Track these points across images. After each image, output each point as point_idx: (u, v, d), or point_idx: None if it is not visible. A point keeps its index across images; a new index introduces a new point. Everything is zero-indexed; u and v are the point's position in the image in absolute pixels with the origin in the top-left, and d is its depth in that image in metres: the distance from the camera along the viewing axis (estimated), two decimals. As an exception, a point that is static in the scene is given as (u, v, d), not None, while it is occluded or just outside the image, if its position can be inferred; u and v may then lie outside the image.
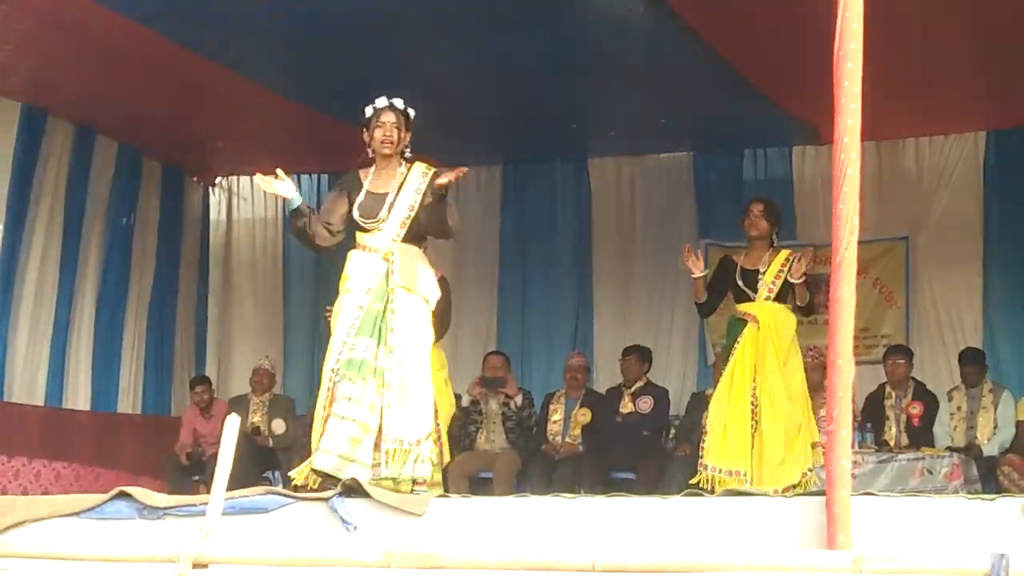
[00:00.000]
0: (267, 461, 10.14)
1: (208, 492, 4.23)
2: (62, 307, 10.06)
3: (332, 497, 5.36)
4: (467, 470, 8.99)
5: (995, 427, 9.12)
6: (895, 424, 9.26)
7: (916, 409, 9.25)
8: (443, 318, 6.61)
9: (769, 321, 7.43)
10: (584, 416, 9.56)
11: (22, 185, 9.64)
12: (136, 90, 9.25)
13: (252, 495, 5.44)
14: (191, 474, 10.06)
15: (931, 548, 4.36)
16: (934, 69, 8.71)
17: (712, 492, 6.63)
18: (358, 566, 3.96)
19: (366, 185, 6.33)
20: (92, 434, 10.28)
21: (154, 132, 10.47)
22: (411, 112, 6.36)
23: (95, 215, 10.42)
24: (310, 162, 11.63)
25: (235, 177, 12.10)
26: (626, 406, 9.57)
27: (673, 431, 9.90)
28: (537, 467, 9.30)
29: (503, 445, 9.47)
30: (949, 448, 8.87)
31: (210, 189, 12.14)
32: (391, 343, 6.09)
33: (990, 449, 9.02)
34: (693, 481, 7.16)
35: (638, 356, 9.77)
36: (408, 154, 6.40)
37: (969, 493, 7.25)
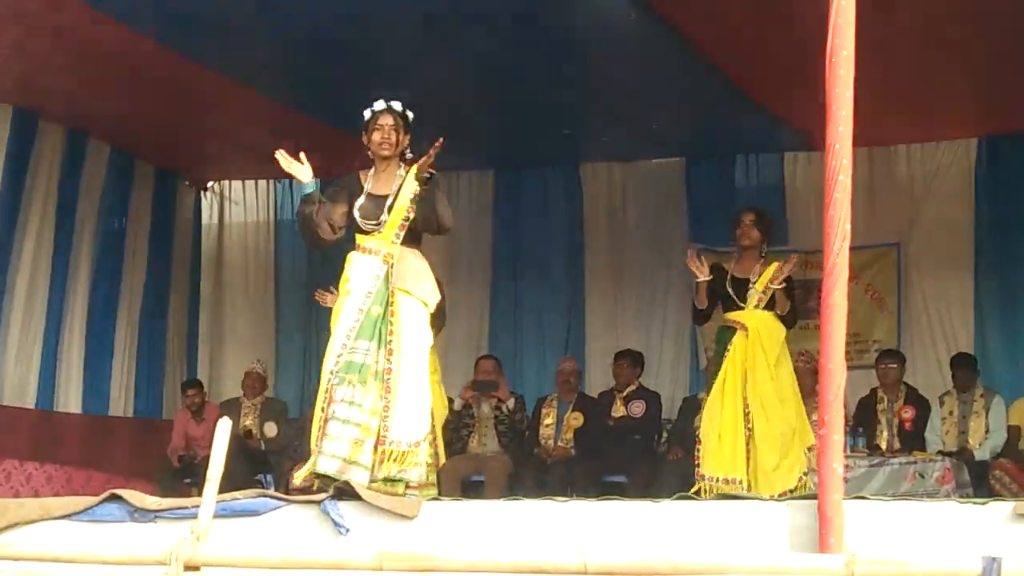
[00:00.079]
0: (259, 464, 10.13)
1: (200, 495, 4.22)
2: (54, 310, 10.06)
3: (324, 500, 5.37)
4: (459, 473, 8.99)
5: (987, 432, 9.14)
6: (887, 428, 9.27)
7: (908, 413, 9.26)
8: (437, 319, 6.62)
9: (758, 329, 7.45)
10: (576, 420, 9.57)
11: (14, 189, 9.63)
12: (128, 94, 9.25)
13: (244, 498, 5.44)
14: (183, 477, 10.04)
15: (923, 552, 4.36)
16: (926, 76, 8.73)
17: (710, 501, 6.64)
18: (350, 568, 3.96)
19: (366, 187, 6.35)
20: (83, 437, 10.26)
21: (146, 136, 10.47)
22: (410, 114, 6.39)
23: (87, 219, 10.41)
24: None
25: (227, 181, 12.10)
26: (618, 410, 9.58)
27: (665, 435, 9.91)
28: (529, 471, 9.29)
29: (495, 449, 9.47)
30: (941, 452, 8.88)
31: (202, 193, 12.14)
32: (391, 346, 6.11)
33: (982, 454, 9.03)
34: (692, 491, 7.16)
35: (630, 360, 9.78)
36: (409, 155, 6.42)
37: (961, 497, 7.26)
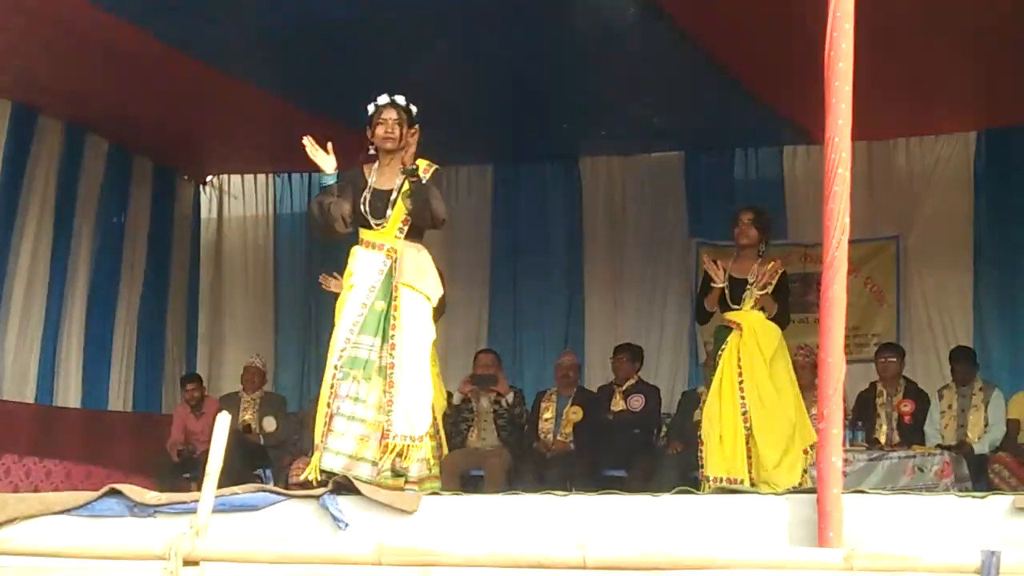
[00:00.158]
0: (258, 459, 10.13)
1: (199, 490, 4.21)
2: (53, 305, 10.06)
3: (323, 494, 5.36)
4: (458, 468, 8.98)
5: (986, 425, 9.15)
6: (886, 422, 9.27)
7: (907, 407, 9.27)
8: (436, 306, 6.62)
9: (753, 328, 7.46)
10: (575, 414, 9.56)
11: (12, 184, 9.64)
12: (127, 89, 9.25)
13: (243, 493, 5.44)
14: (182, 472, 10.04)
15: (922, 546, 4.36)
16: (925, 69, 8.72)
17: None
18: (350, 563, 3.95)
19: (371, 182, 6.34)
20: (83, 432, 10.27)
21: (145, 131, 10.46)
22: (413, 108, 6.39)
23: (85, 213, 10.41)
24: (301, 161, 11.53)
25: (226, 175, 12.09)
26: (617, 404, 9.58)
27: (664, 429, 9.91)
28: (528, 465, 9.29)
29: (494, 443, 9.46)
30: (940, 446, 8.88)
31: (201, 187, 12.13)
32: (394, 340, 6.12)
33: (981, 447, 9.04)
34: (709, 490, 7.16)
35: (629, 354, 9.78)
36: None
37: (960, 491, 7.26)
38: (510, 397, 9.54)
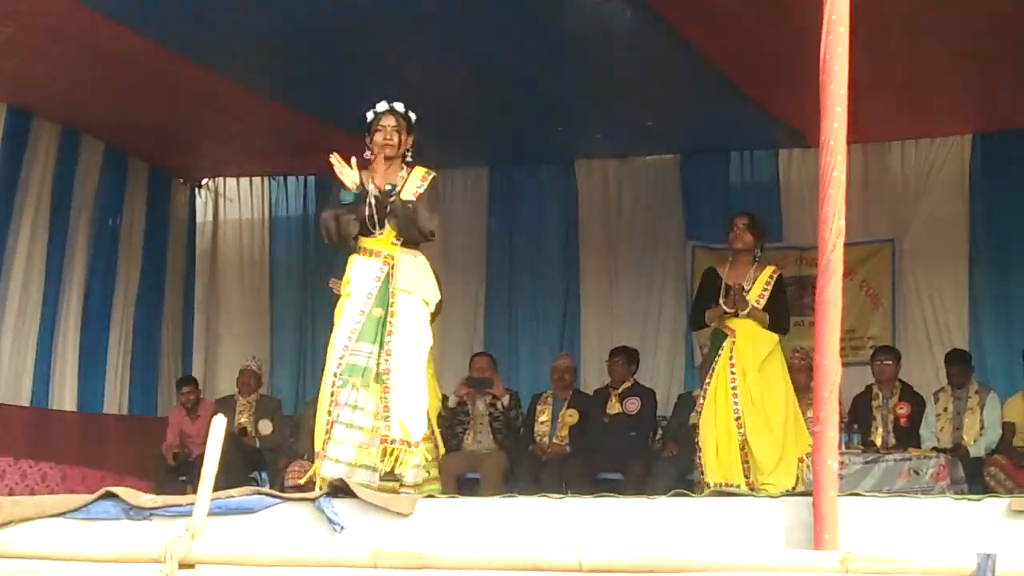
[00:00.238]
0: (254, 462, 10.13)
1: (194, 492, 4.21)
2: (48, 307, 10.05)
3: (319, 497, 5.36)
4: (454, 470, 8.98)
5: (981, 428, 9.15)
6: (882, 425, 9.28)
7: (903, 410, 9.28)
8: (432, 313, 6.63)
9: (748, 336, 7.47)
10: (571, 417, 9.57)
11: (7, 186, 9.63)
12: (122, 92, 9.24)
13: (239, 495, 5.43)
14: (177, 474, 10.04)
15: (918, 548, 4.36)
16: (920, 72, 8.74)
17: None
18: (345, 566, 3.95)
19: (370, 189, 6.35)
20: (78, 435, 10.25)
21: (140, 133, 10.46)
22: (412, 116, 6.40)
23: (81, 216, 10.39)
24: (296, 164, 11.63)
25: (221, 178, 12.08)
26: (613, 407, 9.59)
27: (660, 432, 9.92)
28: (524, 468, 9.30)
29: (490, 446, 9.48)
30: (935, 449, 8.89)
31: (196, 190, 12.12)
32: (390, 346, 6.14)
33: (976, 450, 9.04)
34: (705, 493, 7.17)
35: (625, 357, 9.79)
36: (409, 158, 6.44)
37: (955, 494, 7.26)
38: (506, 400, 9.56)
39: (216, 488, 4.25)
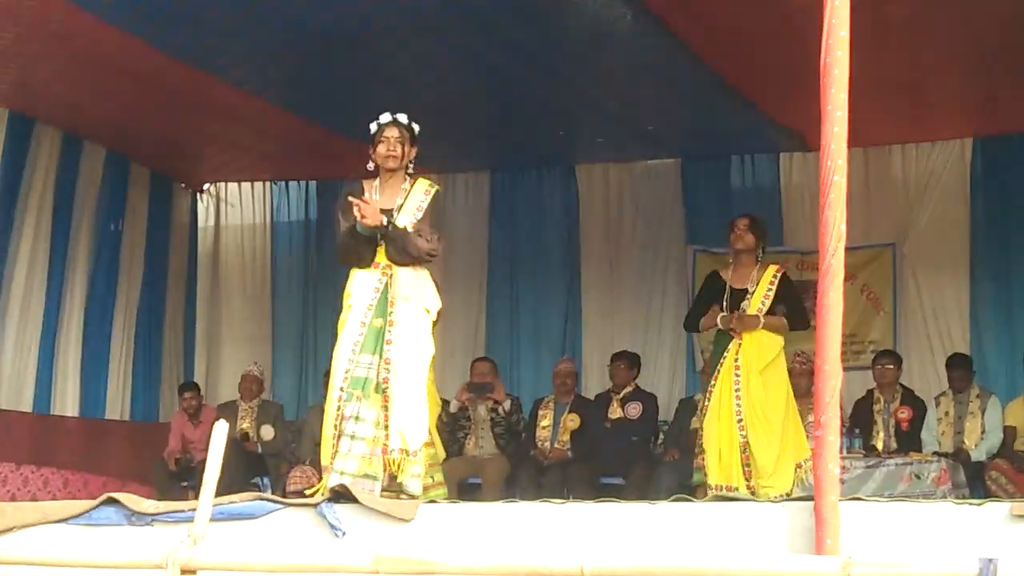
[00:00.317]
0: (256, 467, 10.12)
1: (196, 498, 4.22)
2: (50, 313, 10.04)
3: (321, 503, 5.36)
4: (456, 476, 8.98)
5: (982, 432, 9.14)
6: (883, 429, 9.27)
7: (904, 414, 9.27)
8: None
9: (754, 337, 7.48)
10: (573, 422, 9.56)
11: (10, 192, 9.62)
12: (123, 97, 9.24)
13: (241, 501, 5.44)
14: (179, 480, 10.04)
15: (919, 553, 4.36)
16: (921, 76, 8.74)
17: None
18: (347, 571, 3.95)
19: (372, 201, 6.35)
20: (80, 440, 10.25)
21: (142, 139, 10.46)
22: (415, 127, 6.42)
23: (83, 221, 10.39)
24: (298, 169, 11.64)
25: (223, 183, 12.09)
26: (615, 411, 9.58)
27: (662, 436, 9.92)
28: (526, 473, 9.29)
29: (492, 451, 9.47)
30: (937, 453, 8.87)
31: (198, 195, 12.12)
32: (389, 355, 6.16)
33: (978, 454, 9.04)
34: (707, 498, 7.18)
35: (627, 362, 9.78)
36: (411, 170, 6.45)
37: (957, 498, 7.26)
38: (507, 405, 9.55)
39: (218, 494, 4.25)
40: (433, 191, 6.46)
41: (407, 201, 6.37)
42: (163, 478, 10.07)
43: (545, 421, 9.69)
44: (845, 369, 4.60)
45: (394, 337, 6.20)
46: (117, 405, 10.80)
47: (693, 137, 10.60)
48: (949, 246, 10.39)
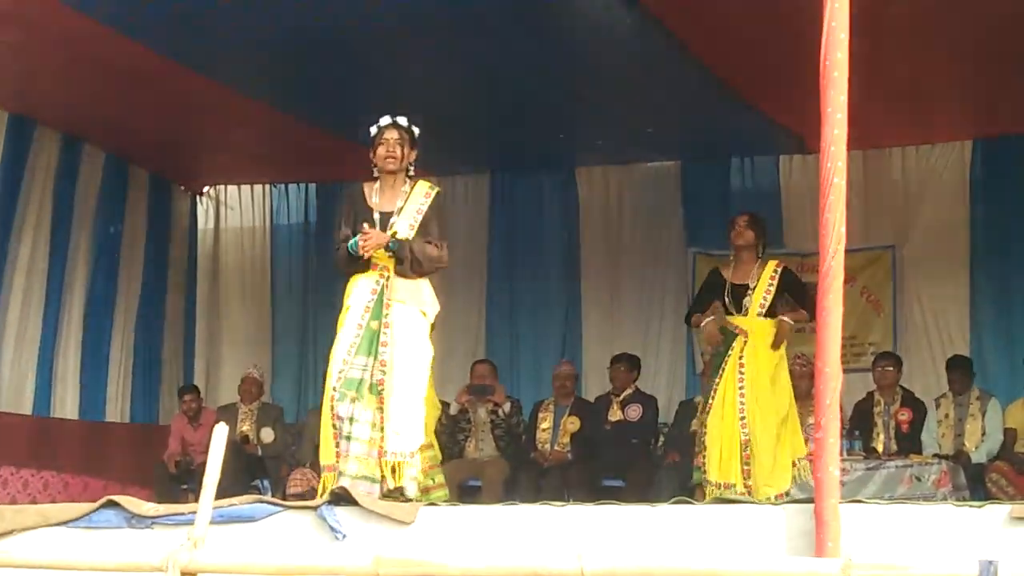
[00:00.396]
0: (256, 470, 10.12)
1: (196, 501, 4.22)
2: (49, 316, 10.05)
3: (321, 505, 5.36)
4: (456, 478, 8.96)
5: (983, 434, 9.15)
6: (883, 431, 9.27)
7: (904, 416, 9.27)
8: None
9: (759, 336, 7.48)
10: (573, 424, 9.56)
11: (9, 194, 9.63)
12: (123, 100, 9.25)
13: (241, 504, 5.44)
14: (179, 483, 10.04)
15: (920, 555, 4.36)
16: (920, 78, 8.73)
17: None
18: (347, 574, 3.96)
19: (373, 203, 6.36)
20: (80, 443, 10.26)
21: (141, 141, 10.47)
22: (415, 129, 6.42)
23: (82, 224, 10.40)
24: (297, 172, 11.64)
25: (222, 186, 12.09)
26: (615, 414, 9.58)
27: (662, 439, 9.91)
28: (526, 475, 9.29)
29: (492, 453, 9.47)
30: (937, 455, 8.88)
31: (198, 198, 12.13)
32: (384, 356, 6.16)
33: (978, 456, 9.04)
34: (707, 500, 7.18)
35: (627, 364, 9.78)
36: (411, 172, 6.45)
37: (957, 500, 7.26)
38: (507, 407, 9.55)
39: (218, 496, 4.25)
40: (434, 193, 6.46)
41: (407, 203, 6.38)
42: (163, 481, 10.07)
43: (545, 423, 9.68)
44: (845, 371, 4.61)
45: (390, 339, 6.20)
46: (117, 408, 10.81)
47: (693, 139, 10.61)
48: (949, 248, 10.40)
